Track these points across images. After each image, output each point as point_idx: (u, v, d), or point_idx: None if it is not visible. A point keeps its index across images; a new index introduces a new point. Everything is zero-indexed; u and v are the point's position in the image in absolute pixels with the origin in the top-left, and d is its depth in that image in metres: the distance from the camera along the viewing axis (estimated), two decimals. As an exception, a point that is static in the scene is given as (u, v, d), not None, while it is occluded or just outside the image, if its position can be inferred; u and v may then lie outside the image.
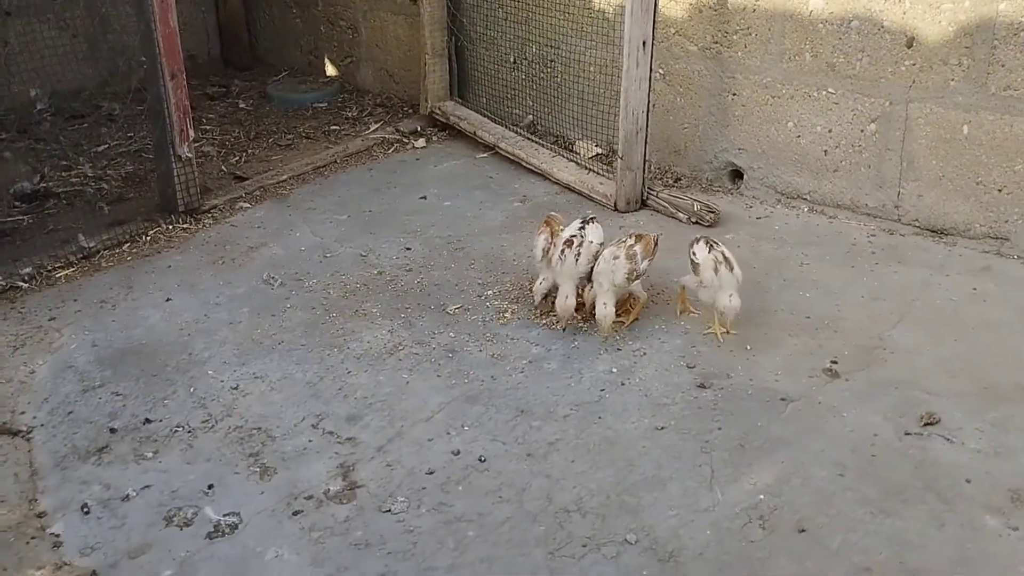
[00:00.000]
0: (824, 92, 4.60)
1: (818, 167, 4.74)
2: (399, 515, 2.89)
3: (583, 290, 3.84)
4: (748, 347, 3.67)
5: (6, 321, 3.96)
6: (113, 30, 6.44)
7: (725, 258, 3.71)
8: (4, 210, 4.87)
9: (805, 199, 4.84)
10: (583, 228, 3.89)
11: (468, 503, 2.93)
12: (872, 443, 3.11)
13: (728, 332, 3.73)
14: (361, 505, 2.94)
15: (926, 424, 3.17)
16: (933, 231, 4.46)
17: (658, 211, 4.84)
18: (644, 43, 4.49)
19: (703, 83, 5.00)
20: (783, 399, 3.36)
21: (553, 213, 4.20)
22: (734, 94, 4.91)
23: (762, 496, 2.89)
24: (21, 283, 4.21)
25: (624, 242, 3.82)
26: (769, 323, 3.83)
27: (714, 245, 3.77)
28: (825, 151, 4.69)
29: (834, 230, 4.62)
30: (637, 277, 3.78)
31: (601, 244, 3.86)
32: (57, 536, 2.83)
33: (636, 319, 3.87)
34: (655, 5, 4.49)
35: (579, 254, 3.78)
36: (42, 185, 5.16)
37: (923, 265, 4.24)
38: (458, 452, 3.17)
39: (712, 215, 4.69)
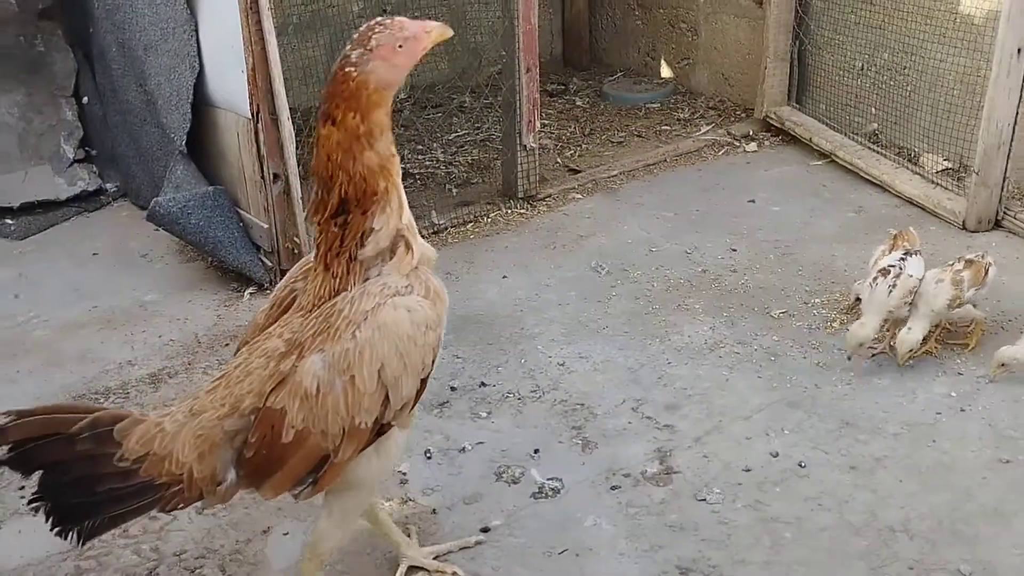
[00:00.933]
0: None
1: None
2: (714, 505, 2.92)
3: (894, 329, 3.55)
4: (1119, 389, 3.29)
5: (367, 282, 4.45)
6: (470, 29, 6.99)
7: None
8: (370, 185, 5.46)
9: None
10: (904, 259, 3.56)
11: (785, 505, 2.90)
12: None
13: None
14: (676, 490, 3.00)
15: None
16: None
17: (1015, 233, 4.45)
18: (1019, 51, 4.14)
19: (1083, 96, 4.51)
20: None
21: (910, 229, 3.97)
22: (1121, 110, 4.39)
23: None
24: (381, 250, 4.72)
25: (952, 266, 3.56)
26: None
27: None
28: None
29: None
30: (959, 306, 3.50)
31: (920, 280, 3.52)
32: (404, 475, 3.16)
33: (978, 343, 3.60)
34: (1035, 9, 4.13)
35: (893, 286, 3.45)
36: (402, 166, 5.71)
37: None
38: (777, 454, 3.14)
39: (1081, 242, 4.24)
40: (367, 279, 2.20)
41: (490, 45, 6.58)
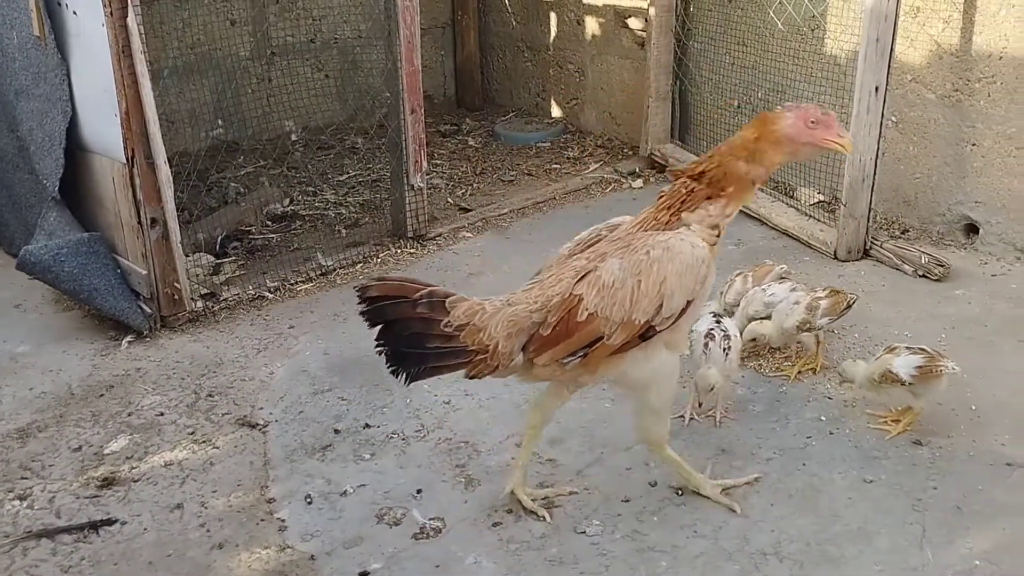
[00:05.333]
0: (1077, 144, 4.29)
1: (1066, 224, 4.41)
2: (593, 538, 2.95)
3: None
4: (973, 407, 3.46)
5: (253, 326, 4.39)
6: (361, 71, 7.01)
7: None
8: (258, 228, 5.40)
9: (1049, 257, 4.50)
10: None
11: (662, 534, 2.95)
12: (1113, 521, 2.85)
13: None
14: (558, 524, 3.02)
15: None
16: None
17: (881, 262, 4.66)
18: (876, 89, 4.37)
19: (939, 132, 4.78)
20: (1009, 464, 3.14)
21: (766, 262, 4.16)
22: (973, 144, 4.66)
23: (978, 562, 2.72)
24: (267, 293, 4.66)
25: (815, 292, 3.73)
26: (999, 385, 3.59)
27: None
28: (1075, 207, 4.36)
29: (1082, 292, 4.27)
30: (809, 330, 3.66)
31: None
32: (283, 521, 3.10)
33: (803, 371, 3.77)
34: (891, 51, 4.37)
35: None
36: (291, 208, 5.69)
37: None
38: (655, 484, 3.19)
39: (941, 268, 4.46)
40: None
41: (381, 87, 6.61)
